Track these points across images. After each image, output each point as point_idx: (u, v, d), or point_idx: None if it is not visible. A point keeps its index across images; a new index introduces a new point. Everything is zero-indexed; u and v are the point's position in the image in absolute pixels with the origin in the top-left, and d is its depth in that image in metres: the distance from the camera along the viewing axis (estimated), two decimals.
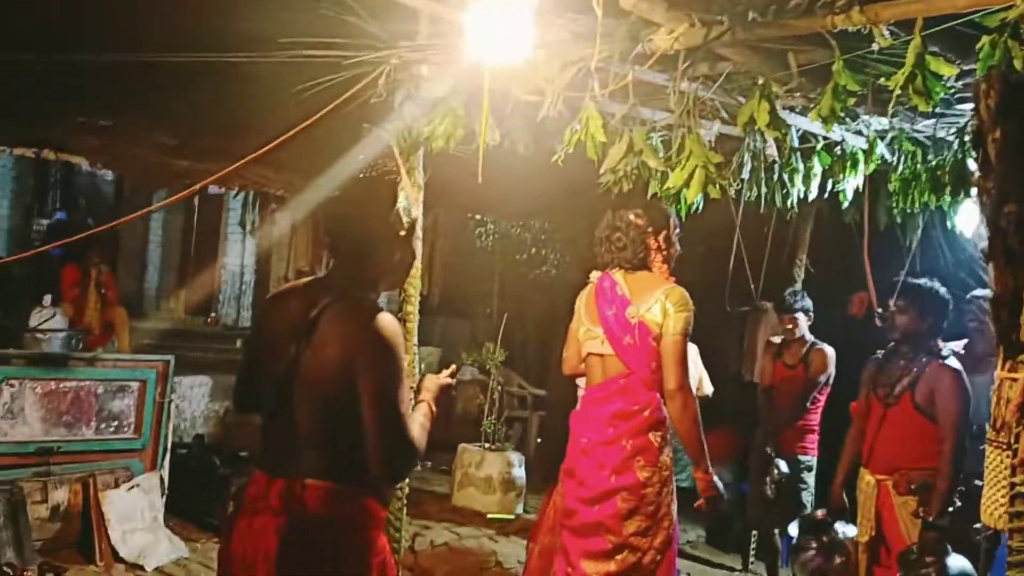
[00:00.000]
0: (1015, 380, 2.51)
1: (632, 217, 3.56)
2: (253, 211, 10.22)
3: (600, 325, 3.51)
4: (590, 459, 3.44)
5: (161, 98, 6.36)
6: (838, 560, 4.26)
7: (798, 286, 6.10)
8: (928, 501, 3.85)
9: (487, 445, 7.25)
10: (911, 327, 4.03)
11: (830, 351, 5.32)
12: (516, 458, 7.11)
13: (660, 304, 3.41)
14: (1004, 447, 2.51)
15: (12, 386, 4.77)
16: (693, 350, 6.96)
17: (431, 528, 6.26)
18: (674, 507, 3.43)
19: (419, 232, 2.39)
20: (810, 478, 5.28)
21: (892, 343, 4.16)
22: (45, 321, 7.19)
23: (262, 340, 2.38)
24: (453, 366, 2.64)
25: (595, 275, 3.77)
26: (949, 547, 3.76)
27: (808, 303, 5.44)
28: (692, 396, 3.36)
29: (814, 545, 4.36)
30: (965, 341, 4.59)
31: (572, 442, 3.56)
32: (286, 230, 10.24)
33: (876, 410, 4.13)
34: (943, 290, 4.10)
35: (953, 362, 3.99)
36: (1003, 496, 2.52)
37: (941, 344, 4.06)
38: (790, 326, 5.41)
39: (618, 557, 3.35)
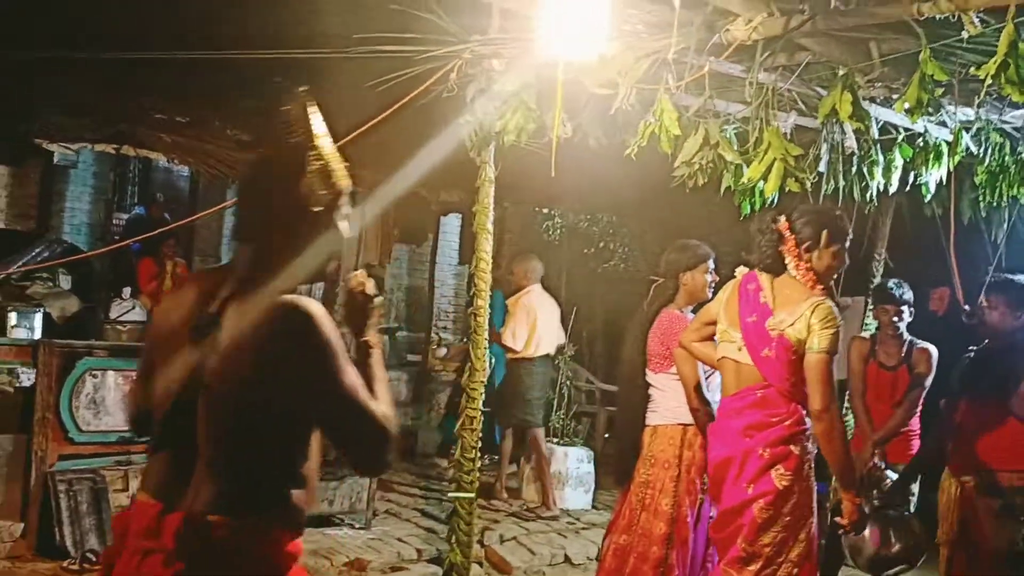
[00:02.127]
0: None
1: (772, 222, 3.36)
2: None
3: (740, 330, 3.35)
4: (727, 471, 3.34)
5: (235, 95, 6.48)
6: (898, 545, 3.92)
7: (877, 280, 5.90)
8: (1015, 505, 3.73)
9: (556, 440, 7.23)
10: (1004, 324, 3.88)
11: (934, 350, 4.85)
12: (585, 454, 7.08)
13: (804, 319, 3.20)
14: None
15: (95, 376, 4.90)
16: (547, 307, 6.64)
17: (500, 522, 6.27)
18: (815, 521, 3.30)
19: (347, 210, 1.97)
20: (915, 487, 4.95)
21: (986, 341, 4.02)
22: (125, 313, 7.40)
23: (155, 344, 1.94)
24: (354, 273, 2.10)
25: (741, 270, 3.54)
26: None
27: (912, 295, 4.94)
28: (839, 418, 3.24)
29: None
30: None
31: (710, 453, 3.51)
32: (357, 224, 10.36)
33: (969, 411, 3.99)
34: None
35: None
36: None
37: None
38: (894, 319, 4.88)
39: (751, 568, 3.25)
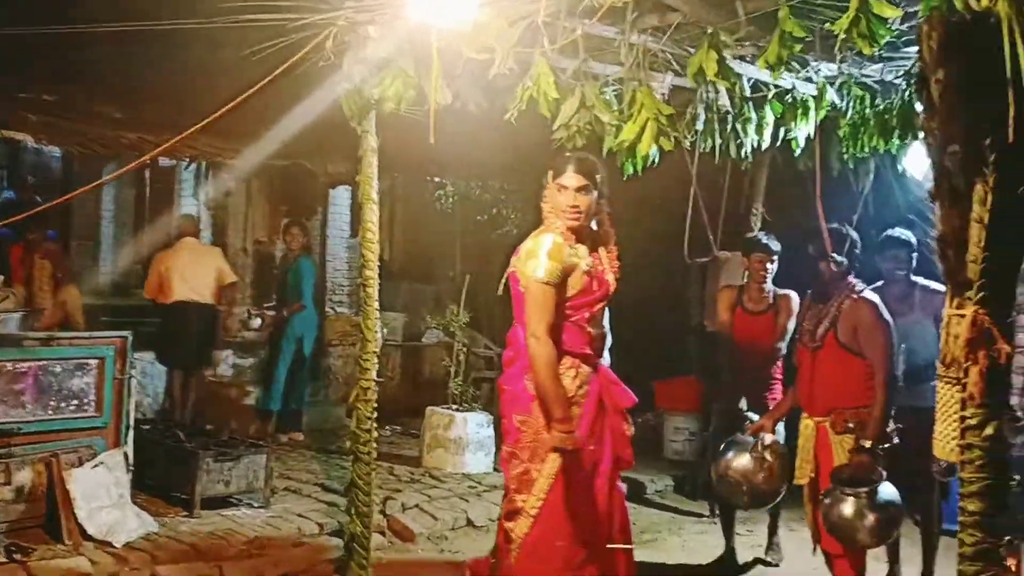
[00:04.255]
0: (962, 317, 2.56)
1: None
2: (206, 182, 10.07)
3: None
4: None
5: (104, 70, 6.23)
6: (763, 464, 4.41)
7: (755, 234, 6.11)
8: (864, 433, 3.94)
9: (455, 407, 7.28)
10: (823, 270, 4.12)
11: (795, 296, 5.14)
12: (485, 418, 7.15)
13: (523, 251, 3.47)
14: (954, 382, 2.57)
15: None
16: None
17: (402, 491, 6.29)
18: (557, 480, 3.35)
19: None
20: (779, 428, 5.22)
21: (809, 290, 4.26)
22: None
23: None
24: None
25: None
26: (882, 472, 3.87)
27: (779, 246, 5.22)
28: (546, 345, 3.32)
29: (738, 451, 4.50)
30: (880, 283, 4.64)
31: None
32: (242, 200, 10.10)
33: (805, 356, 4.22)
34: (852, 232, 4.18)
35: (869, 295, 4.10)
36: (954, 430, 2.59)
37: (854, 281, 4.14)
38: (760, 268, 5.15)
39: (507, 498, 3.51)
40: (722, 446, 4.66)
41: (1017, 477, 3.87)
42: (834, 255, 4.02)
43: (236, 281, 8.06)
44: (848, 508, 3.84)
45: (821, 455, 4.13)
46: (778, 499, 4.71)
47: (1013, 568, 2.75)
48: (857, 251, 4.18)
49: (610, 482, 3.52)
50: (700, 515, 6.47)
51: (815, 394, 4.16)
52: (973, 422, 2.49)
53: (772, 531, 5.47)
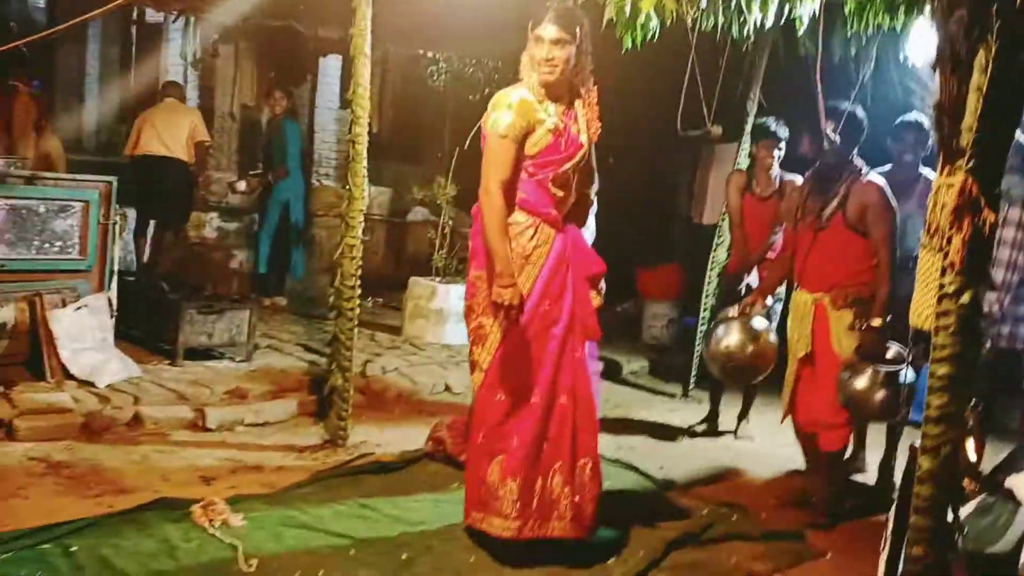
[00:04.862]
0: (952, 185, 2.58)
1: None
2: (194, 41, 9.80)
3: None
4: None
5: None
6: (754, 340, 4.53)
7: (751, 119, 6.09)
8: (864, 313, 4.05)
9: (438, 279, 7.32)
10: (828, 149, 4.15)
11: (800, 181, 5.12)
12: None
13: (491, 104, 3.41)
14: (937, 250, 2.60)
15: None
16: None
17: (382, 355, 6.38)
18: (505, 335, 3.37)
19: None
20: (778, 306, 5.22)
21: (812, 170, 4.27)
22: None
23: None
24: None
25: None
26: (890, 346, 4.01)
27: (787, 132, 5.28)
28: (493, 200, 3.27)
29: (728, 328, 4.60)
30: (888, 167, 4.67)
31: None
32: (230, 64, 9.88)
33: (805, 235, 4.26)
34: (858, 110, 4.19)
35: (876, 177, 4.15)
36: (932, 298, 2.63)
37: (861, 163, 4.18)
38: (768, 155, 5.25)
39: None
40: (713, 323, 4.76)
41: (988, 344, 4.00)
42: (831, 134, 4.02)
43: (208, 141, 8.02)
44: (864, 382, 3.96)
45: (818, 330, 4.20)
46: (764, 376, 4.80)
47: (974, 427, 2.84)
48: (864, 134, 4.19)
49: (562, 345, 3.43)
50: (672, 395, 6.62)
51: (815, 271, 4.21)
52: (951, 289, 2.53)
53: (744, 413, 5.61)
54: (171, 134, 7.53)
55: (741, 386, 5.48)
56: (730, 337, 4.58)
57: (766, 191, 5.34)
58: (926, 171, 4.70)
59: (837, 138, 4.08)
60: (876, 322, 4.02)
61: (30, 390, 4.60)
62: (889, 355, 4.06)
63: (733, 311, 4.71)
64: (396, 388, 5.77)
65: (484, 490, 3.40)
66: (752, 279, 5.19)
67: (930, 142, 4.67)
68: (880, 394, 3.96)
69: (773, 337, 4.64)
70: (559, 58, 3.34)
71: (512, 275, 3.29)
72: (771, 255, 5.30)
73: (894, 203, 4.11)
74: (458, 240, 8.25)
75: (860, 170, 4.15)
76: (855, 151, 4.21)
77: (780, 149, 5.28)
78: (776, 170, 5.33)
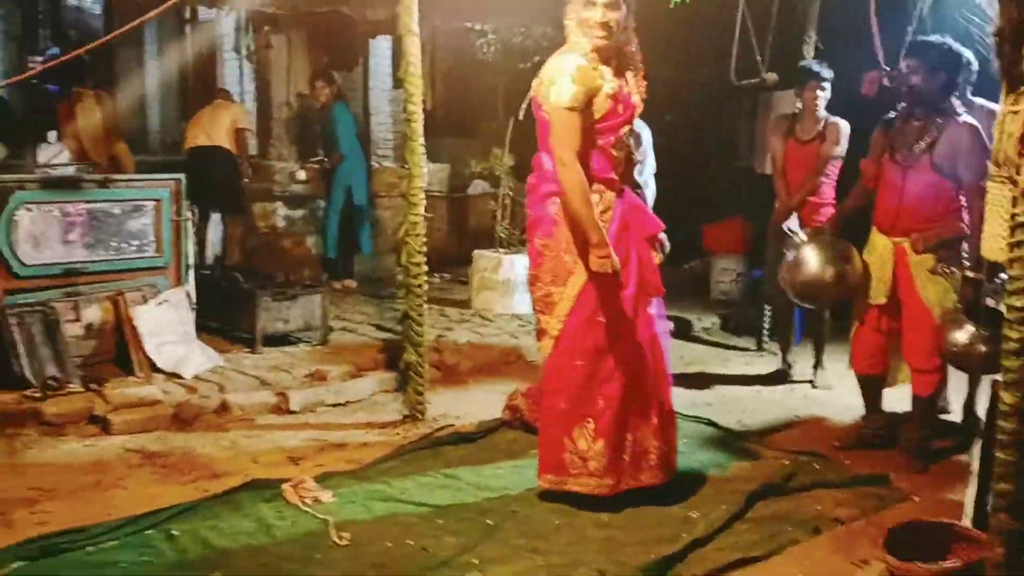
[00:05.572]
0: (1016, 113, 2.51)
1: None
2: (247, 35, 9.97)
3: None
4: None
5: None
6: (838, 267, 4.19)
7: (807, 61, 5.96)
8: (946, 259, 3.93)
9: (502, 250, 7.37)
10: (923, 86, 3.96)
11: (845, 124, 5.26)
12: None
13: (542, 75, 3.39)
14: (1006, 180, 2.55)
15: (30, 210, 4.85)
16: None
17: (452, 329, 6.47)
18: (577, 302, 3.41)
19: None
20: None
21: (904, 105, 4.12)
22: (53, 157, 7.22)
23: None
24: None
25: None
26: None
27: (831, 73, 5.23)
28: (573, 171, 3.27)
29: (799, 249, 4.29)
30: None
31: None
32: (283, 54, 10.01)
33: (892, 173, 4.10)
34: (956, 45, 4.01)
35: (969, 119, 3.97)
36: (1003, 228, 2.58)
37: (956, 102, 4.02)
38: (813, 97, 5.22)
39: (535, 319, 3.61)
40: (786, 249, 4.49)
41: None
42: (886, 67, 3.93)
43: (247, 128, 8.33)
44: (965, 337, 3.74)
45: (901, 275, 4.08)
46: (833, 302, 4.65)
47: None
48: (962, 66, 4.02)
49: (635, 306, 3.49)
50: (746, 349, 6.58)
51: (900, 213, 4.05)
52: (1023, 219, 2.47)
53: (818, 361, 5.55)
54: (214, 126, 7.86)
55: (821, 307, 5.18)
56: (810, 259, 4.27)
57: (809, 135, 5.31)
58: (979, 100, 4.52)
59: (912, 75, 3.92)
60: (973, 275, 3.81)
61: (121, 386, 4.79)
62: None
63: (803, 235, 4.39)
64: (470, 360, 5.85)
65: (569, 454, 3.49)
66: (792, 222, 5.00)
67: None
68: (982, 349, 3.75)
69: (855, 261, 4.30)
70: (613, 20, 3.33)
71: (607, 243, 3.33)
72: (813, 199, 5.24)
73: (988, 146, 3.93)
74: (519, 210, 8.28)
75: (955, 110, 3.98)
76: (956, 90, 4.03)
77: (824, 90, 5.23)
78: (822, 112, 5.29)
